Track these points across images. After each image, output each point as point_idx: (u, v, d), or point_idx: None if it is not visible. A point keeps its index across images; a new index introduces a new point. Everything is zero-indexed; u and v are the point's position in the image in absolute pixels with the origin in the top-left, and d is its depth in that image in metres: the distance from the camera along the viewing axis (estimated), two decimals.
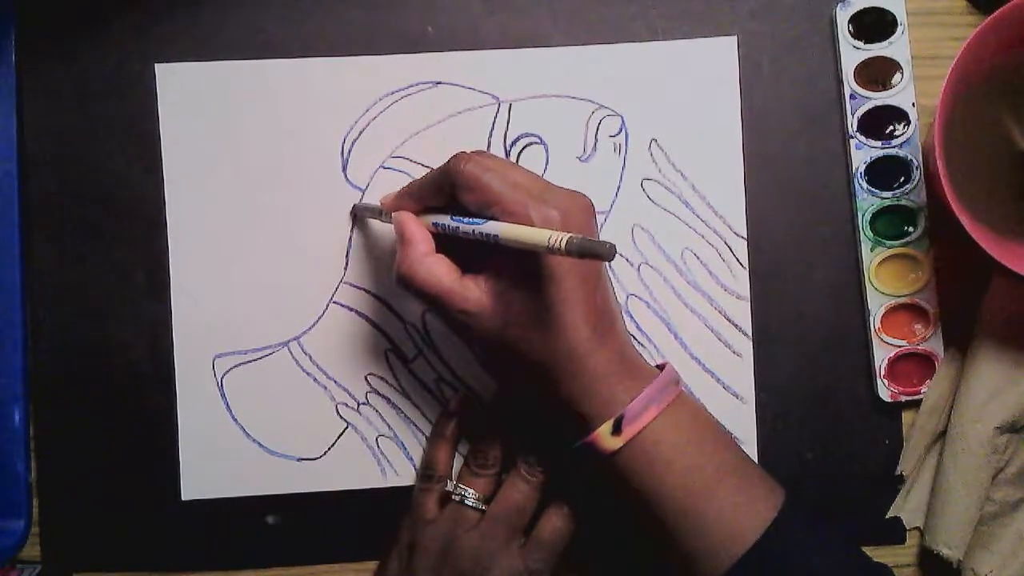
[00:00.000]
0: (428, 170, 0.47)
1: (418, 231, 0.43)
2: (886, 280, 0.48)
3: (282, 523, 0.49)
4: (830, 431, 0.49)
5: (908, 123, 0.48)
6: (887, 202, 0.48)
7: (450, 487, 0.48)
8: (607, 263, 0.47)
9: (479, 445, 0.47)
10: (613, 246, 0.34)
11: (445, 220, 0.42)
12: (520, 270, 0.40)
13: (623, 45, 0.49)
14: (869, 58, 0.48)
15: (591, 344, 0.40)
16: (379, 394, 0.49)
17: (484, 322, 0.41)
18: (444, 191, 0.42)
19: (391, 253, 0.48)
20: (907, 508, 0.49)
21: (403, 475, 0.49)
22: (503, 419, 0.48)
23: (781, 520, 0.40)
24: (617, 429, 0.40)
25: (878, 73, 0.48)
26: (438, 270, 0.42)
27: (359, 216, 0.48)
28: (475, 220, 0.40)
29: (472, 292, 0.41)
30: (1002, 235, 0.46)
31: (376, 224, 0.48)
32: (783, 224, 0.49)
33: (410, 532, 0.47)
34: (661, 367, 0.43)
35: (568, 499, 0.46)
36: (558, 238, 0.35)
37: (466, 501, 0.46)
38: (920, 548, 0.49)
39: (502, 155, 0.48)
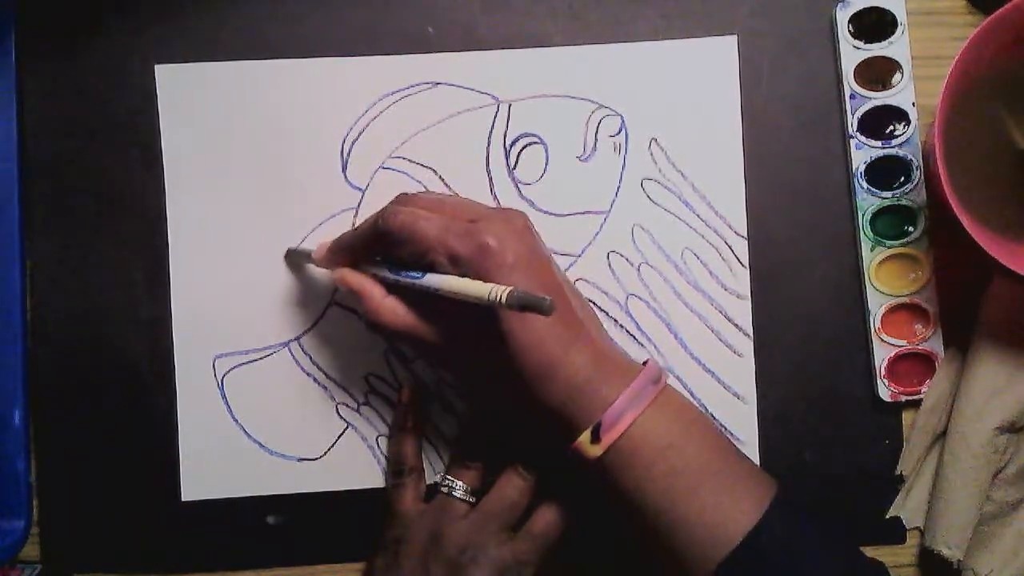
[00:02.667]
0: (427, 169, 0.48)
1: (366, 281, 0.44)
2: (886, 280, 0.48)
3: (282, 523, 0.49)
4: (830, 431, 0.49)
5: (908, 123, 0.48)
6: (887, 202, 0.48)
7: (438, 479, 0.48)
8: (602, 265, 0.48)
9: (468, 439, 0.48)
10: (552, 302, 0.35)
11: (384, 272, 0.43)
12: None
13: (623, 45, 0.49)
14: (869, 58, 0.48)
15: (561, 355, 0.40)
16: (379, 394, 0.49)
17: (451, 352, 0.42)
18: (378, 245, 0.43)
19: None
20: (907, 508, 0.49)
21: None
22: (491, 421, 0.48)
23: (768, 518, 0.39)
24: (596, 437, 0.40)
25: (878, 73, 0.48)
26: (399, 308, 0.43)
27: (291, 260, 0.48)
28: (412, 273, 0.41)
29: (432, 327, 0.42)
30: (1002, 235, 0.46)
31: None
32: (783, 224, 0.49)
33: (392, 529, 0.46)
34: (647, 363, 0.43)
35: (562, 496, 0.46)
36: (498, 292, 0.36)
37: (454, 493, 0.46)
38: (920, 548, 0.49)
39: (502, 155, 0.48)
